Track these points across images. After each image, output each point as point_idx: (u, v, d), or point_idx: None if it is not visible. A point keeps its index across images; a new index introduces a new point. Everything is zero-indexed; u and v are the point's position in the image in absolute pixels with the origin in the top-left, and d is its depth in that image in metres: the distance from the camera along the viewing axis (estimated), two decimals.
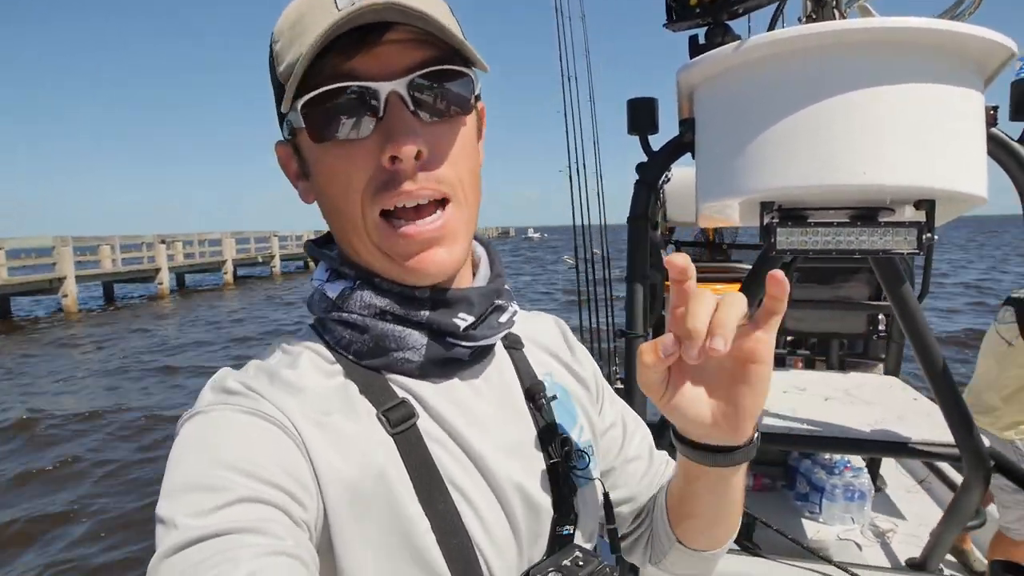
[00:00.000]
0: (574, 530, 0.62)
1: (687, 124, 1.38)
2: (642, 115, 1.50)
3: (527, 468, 0.60)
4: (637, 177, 1.52)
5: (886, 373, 2.52)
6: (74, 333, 14.47)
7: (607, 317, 2.65)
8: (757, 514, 2.16)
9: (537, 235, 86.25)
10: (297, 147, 0.58)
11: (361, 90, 0.51)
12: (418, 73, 0.52)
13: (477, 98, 0.59)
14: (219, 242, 26.51)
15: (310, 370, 0.56)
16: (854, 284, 2.61)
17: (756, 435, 0.56)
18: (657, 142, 1.53)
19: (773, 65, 1.14)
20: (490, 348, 0.64)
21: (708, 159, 1.31)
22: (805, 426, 1.71)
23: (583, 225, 2.37)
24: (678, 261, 0.47)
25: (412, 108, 0.52)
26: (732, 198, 1.23)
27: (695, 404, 0.51)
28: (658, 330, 2.47)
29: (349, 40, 0.50)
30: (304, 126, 0.53)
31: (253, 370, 0.56)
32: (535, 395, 0.65)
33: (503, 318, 0.63)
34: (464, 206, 0.57)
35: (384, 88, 0.51)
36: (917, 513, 2.63)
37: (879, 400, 1.96)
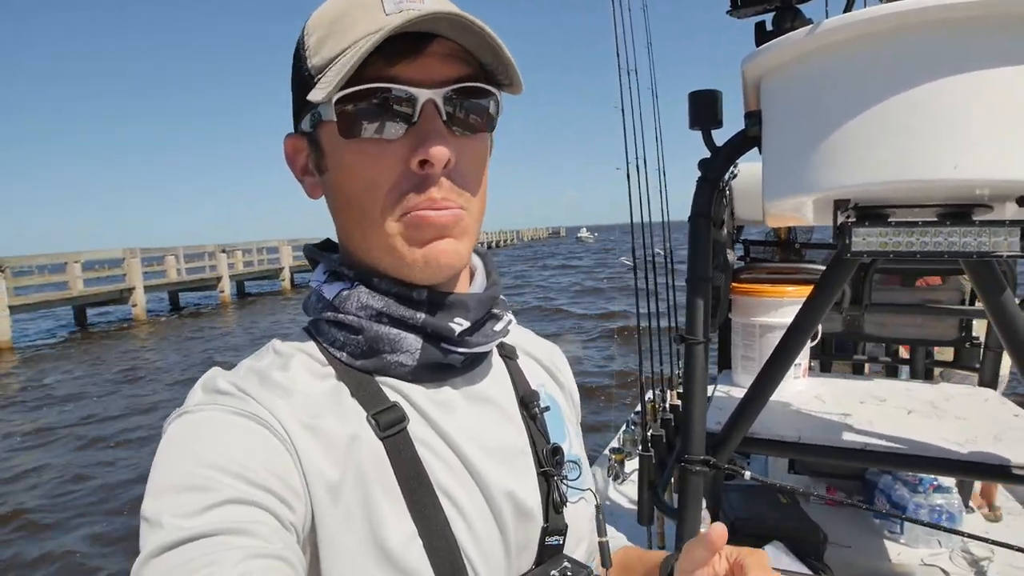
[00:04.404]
0: (563, 541, 0.61)
1: (753, 117, 1.29)
2: (704, 108, 1.42)
3: (518, 475, 0.60)
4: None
5: (981, 384, 2.29)
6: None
7: (668, 320, 2.55)
8: (828, 532, 2.02)
9: (589, 235, 79.74)
10: (316, 140, 0.58)
11: (401, 93, 0.52)
12: (454, 86, 0.54)
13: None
14: (276, 250, 27.38)
15: (301, 372, 0.55)
16: (944, 288, 2.40)
17: None
18: (722, 137, 1.45)
19: (850, 50, 1.05)
20: (484, 355, 0.64)
21: (775, 154, 1.22)
22: (884, 441, 1.57)
23: (641, 223, 2.27)
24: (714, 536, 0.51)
25: (445, 118, 0.54)
26: (802, 196, 1.14)
27: None
28: (723, 334, 2.35)
29: (394, 46, 0.51)
30: (335, 119, 0.54)
31: (244, 371, 0.55)
32: (529, 404, 0.65)
33: (498, 326, 0.63)
34: (473, 219, 0.58)
35: (423, 95, 0.52)
36: (1020, 541, 2.39)
37: (971, 415, 1.78)
